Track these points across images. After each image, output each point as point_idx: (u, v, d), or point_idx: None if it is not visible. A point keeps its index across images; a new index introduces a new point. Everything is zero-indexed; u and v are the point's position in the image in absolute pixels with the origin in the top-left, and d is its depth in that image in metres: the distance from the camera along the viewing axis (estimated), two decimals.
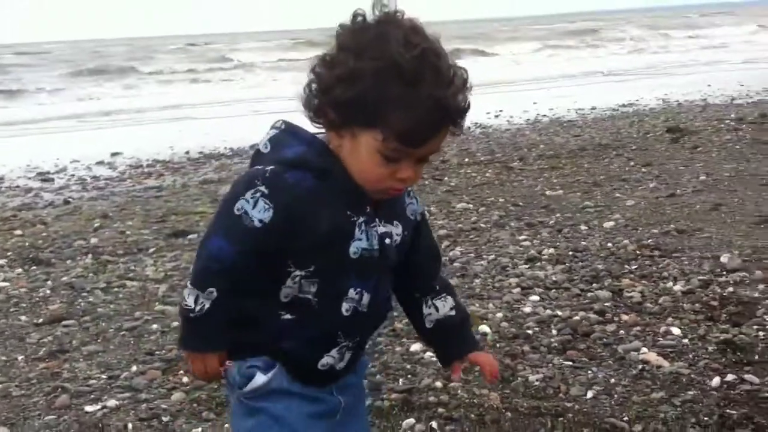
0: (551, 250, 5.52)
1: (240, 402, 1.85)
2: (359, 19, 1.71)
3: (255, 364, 1.82)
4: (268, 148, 1.79)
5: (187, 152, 11.44)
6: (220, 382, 2.15)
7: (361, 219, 1.78)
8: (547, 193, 7.53)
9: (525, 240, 5.89)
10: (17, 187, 9.61)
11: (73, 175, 10.16)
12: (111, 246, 6.42)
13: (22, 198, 8.91)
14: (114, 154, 11.46)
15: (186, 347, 1.86)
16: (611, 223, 6.18)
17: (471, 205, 7.18)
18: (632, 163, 8.64)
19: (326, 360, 1.82)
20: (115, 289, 5.32)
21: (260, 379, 1.81)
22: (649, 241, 5.60)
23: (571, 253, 5.46)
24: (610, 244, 5.58)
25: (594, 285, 4.75)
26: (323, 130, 1.76)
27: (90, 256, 6.17)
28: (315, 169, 1.73)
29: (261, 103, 18.17)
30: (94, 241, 6.61)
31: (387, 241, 1.82)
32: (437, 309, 1.97)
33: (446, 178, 8.53)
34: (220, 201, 1.80)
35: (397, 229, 1.85)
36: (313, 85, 1.73)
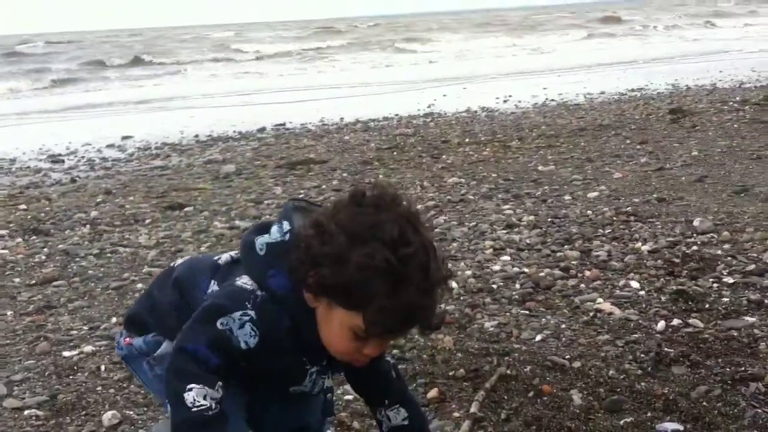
0: (531, 218, 5.64)
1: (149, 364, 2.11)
2: (359, 197, 1.77)
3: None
4: (263, 251, 1.88)
5: (196, 135, 11.65)
6: None
7: (314, 369, 1.98)
8: (540, 168, 7.63)
9: (508, 209, 6.01)
10: (28, 167, 9.86)
11: (83, 157, 10.39)
12: (109, 218, 6.63)
13: (31, 177, 9.14)
14: (125, 138, 11.69)
15: None
16: (595, 194, 6.29)
17: (463, 180, 7.30)
18: (628, 142, 8.72)
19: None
20: (108, 255, 5.51)
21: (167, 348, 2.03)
22: (628, 208, 5.71)
23: (550, 219, 5.58)
24: (589, 212, 5.69)
25: (565, 247, 4.87)
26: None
27: (88, 226, 6.38)
28: (292, 314, 1.85)
29: (270, 94, 18.41)
30: (94, 214, 6.82)
31: (326, 385, 2.07)
32: (389, 419, 2.15)
33: (444, 156, 8.66)
34: (201, 308, 1.87)
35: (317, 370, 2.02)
36: (302, 248, 1.78)
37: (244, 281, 1.87)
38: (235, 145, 10.60)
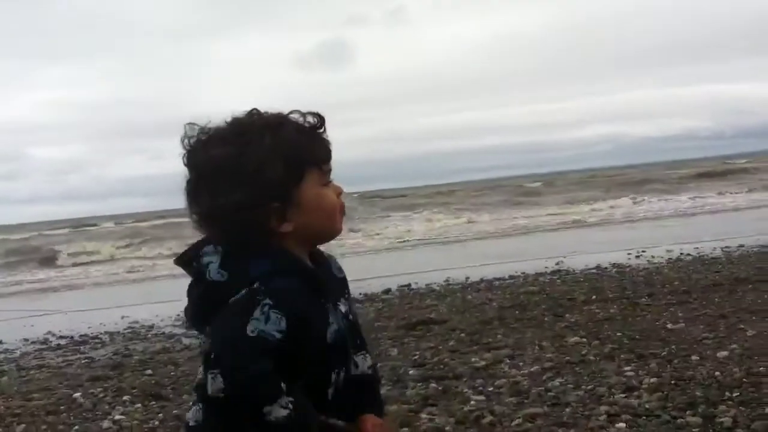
0: (653, 380, 5.31)
1: None
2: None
3: None
4: (224, 276, 1.80)
5: None
6: None
7: (329, 303, 1.86)
8: (668, 326, 7.26)
9: (630, 371, 5.70)
10: (163, 333, 10.21)
11: None
12: None
13: (164, 343, 9.44)
14: None
15: None
16: (725, 353, 5.89)
17: (585, 339, 7.02)
18: (766, 296, 8.21)
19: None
20: None
21: None
22: (761, 368, 5.29)
23: (673, 382, 5.24)
24: (717, 373, 5.31)
25: (687, 412, 4.52)
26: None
27: None
28: (292, 271, 1.82)
29: (397, 252, 18.54)
30: None
31: (351, 318, 1.92)
32: (356, 365, 1.94)
33: (567, 315, 8.39)
34: (219, 339, 1.74)
35: (344, 304, 1.93)
36: (242, 221, 1.79)
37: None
38: (359, 307, 10.66)
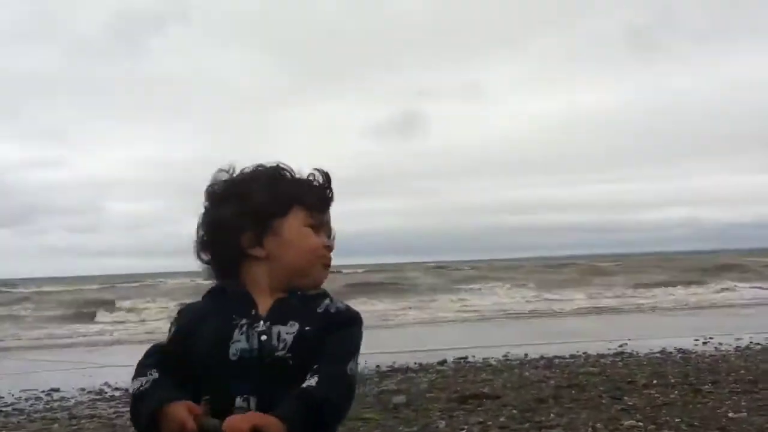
0: None
1: None
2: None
3: None
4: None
5: (377, 366, 11.68)
6: None
7: (243, 321, 1.87)
8: (730, 414, 6.95)
9: None
10: None
11: None
12: None
13: None
14: None
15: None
16: None
17: (641, 423, 6.77)
18: None
19: None
20: None
21: None
22: None
23: None
24: None
25: None
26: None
27: None
28: (210, 291, 2.00)
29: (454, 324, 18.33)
30: None
31: (263, 338, 1.85)
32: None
33: (625, 398, 8.10)
34: None
35: (289, 329, 1.87)
36: (220, 233, 1.99)
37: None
38: (413, 377, 10.50)
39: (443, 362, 11.75)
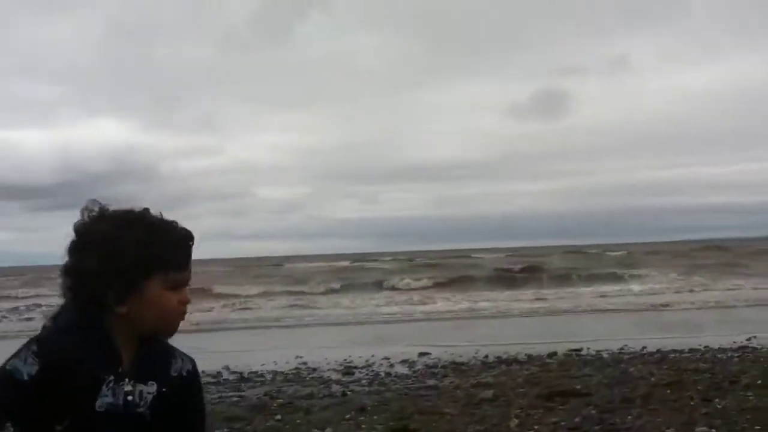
0: None
1: None
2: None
3: None
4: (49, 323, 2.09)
5: (486, 356, 11.73)
6: None
7: (111, 378, 2.01)
8: None
9: None
10: (320, 378, 10.57)
11: (374, 371, 10.91)
12: None
13: (312, 388, 9.76)
14: (421, 354, 12.11)
15: None
16: None
17: (714, 430, 6.51)
18: None
19: None
20: None
21: None
22: None
23: None
24: None
25: None
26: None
27: None
28: (81, 332, 2.03)
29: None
30: (328, 430, 7.14)
31: (130, 398, 2.02)
32: None
33: (717, 399, 7.77)
34: None
35: (149, 388, 2.05)
36: (86, 284, 2.03)
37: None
38: (516, 369, 10.47)
39: (553, 354, 11.62)
